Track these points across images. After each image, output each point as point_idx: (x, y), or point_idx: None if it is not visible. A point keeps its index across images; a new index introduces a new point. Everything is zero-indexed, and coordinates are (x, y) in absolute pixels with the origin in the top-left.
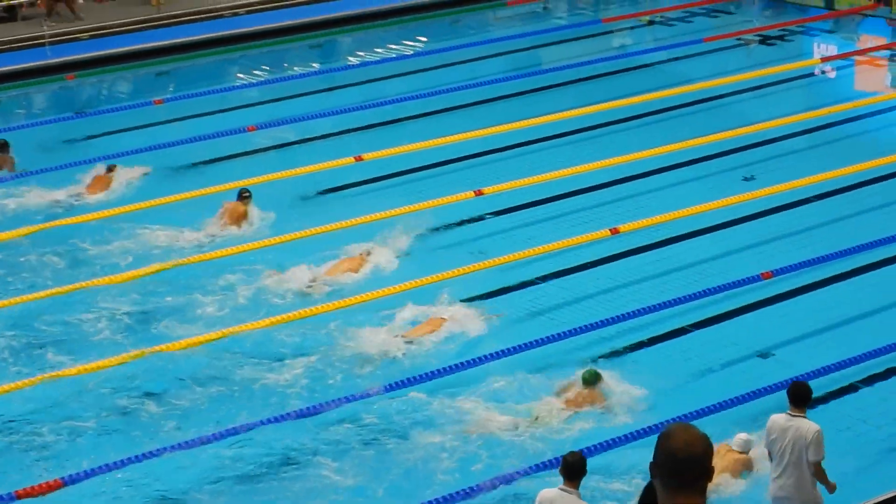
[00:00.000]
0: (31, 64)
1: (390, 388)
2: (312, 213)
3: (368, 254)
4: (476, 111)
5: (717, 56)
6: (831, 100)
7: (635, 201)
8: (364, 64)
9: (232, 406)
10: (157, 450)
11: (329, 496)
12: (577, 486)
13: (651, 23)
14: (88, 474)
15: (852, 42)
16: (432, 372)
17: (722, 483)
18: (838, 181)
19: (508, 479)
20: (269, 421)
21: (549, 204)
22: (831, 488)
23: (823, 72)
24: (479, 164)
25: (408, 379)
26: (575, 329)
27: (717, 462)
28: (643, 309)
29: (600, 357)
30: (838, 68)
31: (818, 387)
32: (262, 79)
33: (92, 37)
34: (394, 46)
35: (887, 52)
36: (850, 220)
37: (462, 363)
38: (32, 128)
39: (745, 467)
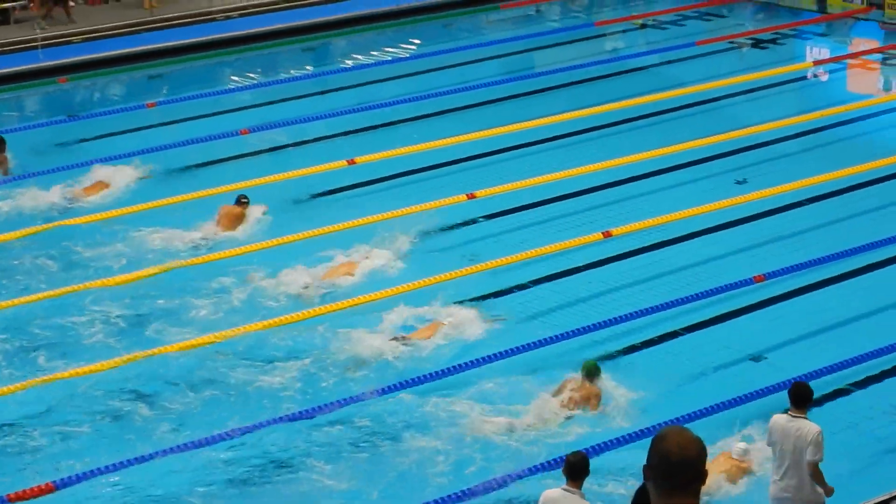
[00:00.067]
0: (24, 67)
1: (384, 391)
2: (305, 217)
3: (366, 257)
4: (469, 114)
5: (709, 59)
6: (824, 103)
7: (628, 204)
8: (357, 67)
9: (225, 409)
10: (150, 453)
11: (323, 500)
12: (579, 486)
13: (643, 26)
14: (80, 478)
15: (844, 45)
16: (426, 375)
17: (722, 487)
18: (831, 184)
19: (502, 483)
20: (262, 424)
21: (542, 207)
22: (828, 491)
23: (816, 75)
24: (471, 168)
25: (401, 382)
26: (567, 332)
27: (718, 467)
28: (636, 312)
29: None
30: (831, 72)
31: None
32: (255, 82)
33: (84, 40)
34: (386, 50)
35: (879, 56)
36: (842, 224)
37: (456, 366)
38: (25, 131)
39: (744, 473)
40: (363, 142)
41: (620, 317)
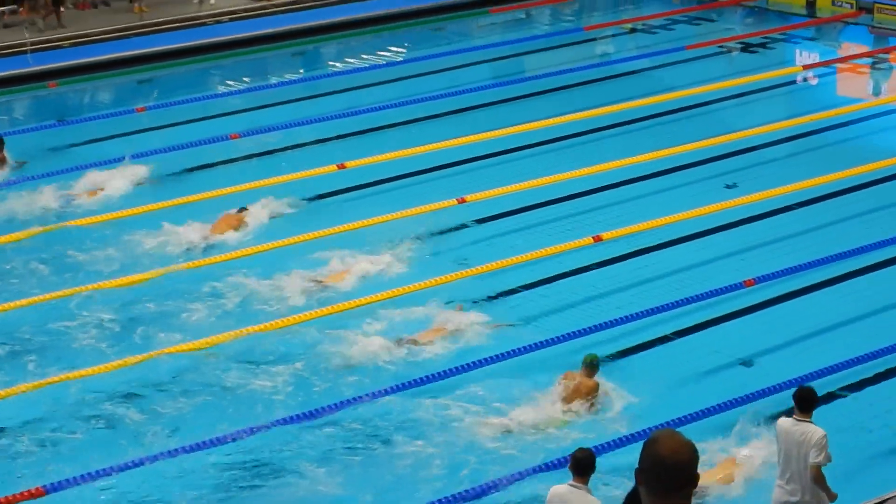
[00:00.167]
0: (13, 72)
1: (376, 395)
2: (295, 221)
3: (357, 262)
4: (459, 119)
5: (699, 64)
6: (813, 107)
7: (618, 209)
8: (347, 72)
9: (218, 414)
10: (141, 458)
11: None
12: (586, 482)
13: (633, 31)
14: (71, 483)
15: (834, 50)
16: (418, 379)
17: (725, 491)
18: (821, 188)
19: (496, 485)
20: (255, 429)
21: (533, 211)
22: (832, 496)
23: (805, 79)
24: (462, 172)
25: (393, 386)
26: (558, 337)
27: (722, 472)
28: (626, 317)
29: None
30: (820, 76)
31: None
32: (245, 86)
33: (74, 44)
34: (376, 54)
35: (869, 60)
36: (832, 228)
37: (448, 370)
38: (14, 135)
39: (746, 477)
40: (354, 146)
41: (611, 321)
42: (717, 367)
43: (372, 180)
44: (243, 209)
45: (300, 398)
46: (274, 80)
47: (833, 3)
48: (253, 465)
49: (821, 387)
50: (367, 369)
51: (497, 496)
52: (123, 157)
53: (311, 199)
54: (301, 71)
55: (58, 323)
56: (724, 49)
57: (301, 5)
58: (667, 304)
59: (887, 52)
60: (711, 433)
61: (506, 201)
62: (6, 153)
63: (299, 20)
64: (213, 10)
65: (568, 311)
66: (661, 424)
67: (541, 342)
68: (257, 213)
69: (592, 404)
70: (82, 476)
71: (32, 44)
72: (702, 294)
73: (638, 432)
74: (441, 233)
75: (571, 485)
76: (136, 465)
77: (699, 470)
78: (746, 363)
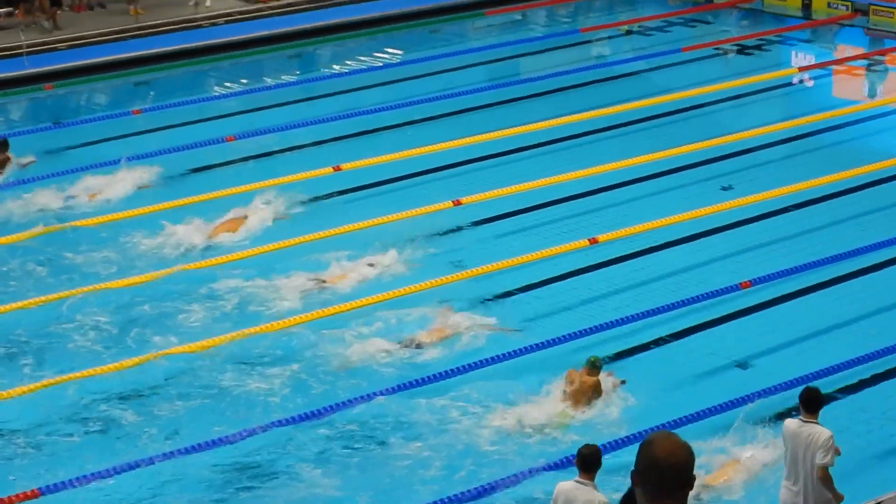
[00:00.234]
0: (8, 74)
1: (372, 395)
2: (292, 223)
3: (352, 264)
4: (454, 121)
5: (694, 66)
6: (809, 109)
7: (614, 211)
8: (342, 74)
9: (215, 416)
10: (138, 460)
11: None
12: (592, 479)
13: (629, 32)
14: (66, 485)
15: (829, 52)
16: (414, 381)
17: (731, 492)
18: (816, 191)
19: (494, 487)
20: (251, 431)
21: (528, 214)
22: (838, 497)
23: (801, 81)
24: (457, 174)
25: (391, 387)
26: (553, 339)
27: (727, 473)
28: (622, 319)
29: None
30: (816, 78)
31: (797, 396)
32: (241, 89)
33: (69, 47)
34: (372, 56)
35: (864, 62)
36: (828, 229)
37: (445, 372)
38: (11, 138)
39: (751, 477)
40: (349, 148)
41: (607, 323)
42: (714, 369)
43: (368, 182)
44: (243, 215)
45: (297, 400)
46: (269, 83)
47: (829, 5)
48: (250, 467)
49: (820, 387)
50: (365, 371)
51: (495, 497)
52: (120, 160)
53: (307, 202)
54: (297, 73)
55: (55, 325)
56: (720, 51)
57: (296, 8)
58: (663, 306)
59: (883, 53)
60: (708, 434)
61: (502, 203)
62: (10, 154)
63: (295, 22)
64: (209, 13)
65: (564, 313)
66: (658, 426)
67: (537, 344)
68: (253, 216)
69: (593, 402)
70: (78, 478)
71: (28, 46)
72: (698, 296)
73: (635, 434)
74: (437, 235)
75: (577, 481)
76: (132, 467)
77: (695, 472)
78: (743, 365)
